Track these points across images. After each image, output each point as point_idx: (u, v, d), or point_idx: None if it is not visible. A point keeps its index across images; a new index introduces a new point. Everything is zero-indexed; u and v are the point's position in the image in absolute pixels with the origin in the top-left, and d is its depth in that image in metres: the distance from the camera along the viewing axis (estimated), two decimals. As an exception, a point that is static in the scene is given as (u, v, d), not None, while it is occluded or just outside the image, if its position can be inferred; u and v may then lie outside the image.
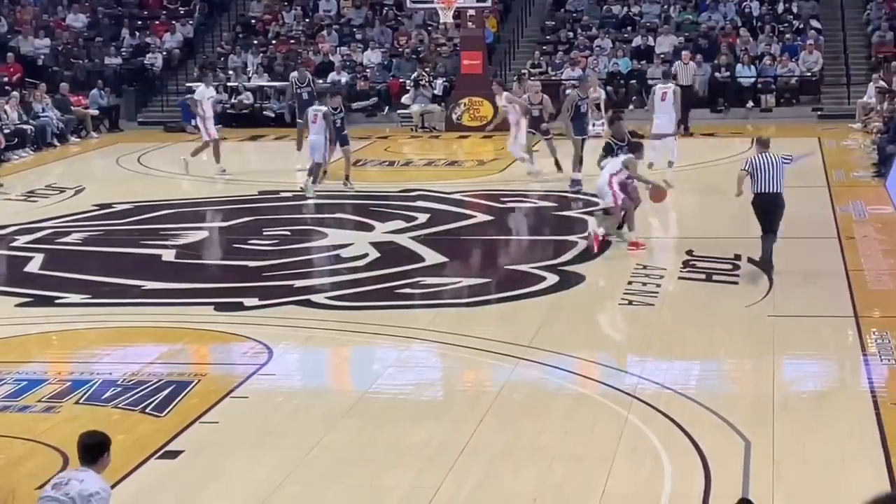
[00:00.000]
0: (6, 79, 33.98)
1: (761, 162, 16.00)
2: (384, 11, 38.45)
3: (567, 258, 17.27)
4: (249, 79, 34.91)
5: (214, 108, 26.03)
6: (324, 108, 22.66)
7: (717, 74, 33.53)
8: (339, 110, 22.93)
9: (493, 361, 12.83)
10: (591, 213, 19.50)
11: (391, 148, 29.48)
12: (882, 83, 29.70)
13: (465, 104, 32.04)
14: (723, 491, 9.28)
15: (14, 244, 19.03)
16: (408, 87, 33.39)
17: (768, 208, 16.13)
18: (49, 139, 30.09)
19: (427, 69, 34.54)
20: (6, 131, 28.44)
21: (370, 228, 19.52)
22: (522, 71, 33.14)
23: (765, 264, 16.12)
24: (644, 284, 15.60)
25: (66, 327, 14.56)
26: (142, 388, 12.02)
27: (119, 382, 12.23)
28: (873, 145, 25.16)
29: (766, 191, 15.98)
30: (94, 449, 7.43)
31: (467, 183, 23.90)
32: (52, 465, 9.77)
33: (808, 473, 9.77)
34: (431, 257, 17.51)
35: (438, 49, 35.96)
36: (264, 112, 33.92)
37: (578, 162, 22.27)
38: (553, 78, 33.93)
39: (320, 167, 22.56)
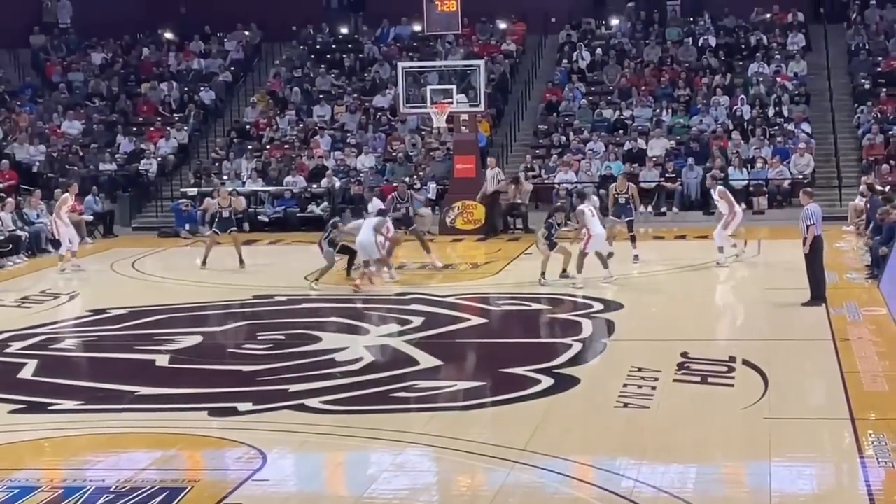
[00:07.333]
0: (1, 185, 34.16)
1: (817, 210, 20.25)
2: (378, 116, 38.75)
3: (561, 360, 17.24)
4: (244, 183, 35.05)
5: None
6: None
7: (709, 177, 33.74)
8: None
9: (489, 465, 12.74)
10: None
11: (385, 252, 29.53)
12: (864, 186, 29.57)
13: (458, 208, 32.18)
14: None
15: (7, 350, 18.95)
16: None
17: (821, 247, 20.28)
18: (44, 245, 30.12)
19: (420, 174, 34.75)
20: (0, 238, 28.54)
21: (365, 332, 19.51)
22: (518, 173, 33.32)
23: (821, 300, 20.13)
24: (639, 387, 15.55)
25: (58, 434, 14.46)
26: (135, 494, 11.91)
27: (112, 489, 12.11)
28: (866, 247, 25.25)
29: (820, 233, 20.14)
30: None
31: (461, 286, 23.94)
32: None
33: (808, 577, 9.69)
34: (426, 360, 17.48)
35: (431, 153, 36.18)
36: (258, 217, 34.01)
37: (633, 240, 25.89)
38: (546, 181, 34.19)
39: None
